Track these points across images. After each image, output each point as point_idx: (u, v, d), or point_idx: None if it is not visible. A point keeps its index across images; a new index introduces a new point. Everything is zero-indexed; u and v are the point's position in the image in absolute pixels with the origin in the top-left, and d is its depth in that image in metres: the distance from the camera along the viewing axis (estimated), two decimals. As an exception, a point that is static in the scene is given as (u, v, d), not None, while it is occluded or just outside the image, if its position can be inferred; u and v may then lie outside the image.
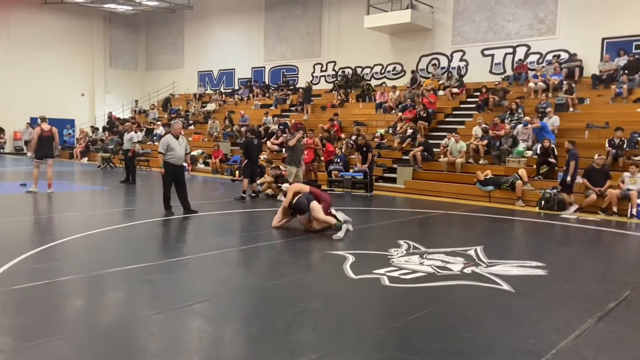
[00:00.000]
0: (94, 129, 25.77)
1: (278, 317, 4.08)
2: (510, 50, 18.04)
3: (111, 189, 13.38)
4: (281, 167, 13.94)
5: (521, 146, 13.48)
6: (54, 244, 6.46)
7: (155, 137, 23.18)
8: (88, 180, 15.90)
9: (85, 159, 23.44)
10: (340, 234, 7.34)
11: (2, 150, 25.41)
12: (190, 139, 22.07)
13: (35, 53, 26.33)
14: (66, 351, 3.36)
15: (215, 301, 4.53)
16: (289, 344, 3.57)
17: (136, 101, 29.29)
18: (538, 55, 17.50)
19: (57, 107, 26.90)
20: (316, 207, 7.56)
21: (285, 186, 7.79)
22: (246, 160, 12.10)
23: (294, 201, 7.70)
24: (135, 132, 15.96)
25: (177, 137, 9.17)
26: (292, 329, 3.85)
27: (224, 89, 26.79)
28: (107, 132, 24.57)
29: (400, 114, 17.26)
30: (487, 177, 12.57)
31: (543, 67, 16.76)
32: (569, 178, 10.93)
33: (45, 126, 11.89)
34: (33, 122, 23.37)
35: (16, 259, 5.55)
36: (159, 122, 24.37)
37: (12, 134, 25.95)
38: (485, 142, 13.93)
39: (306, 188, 8.02)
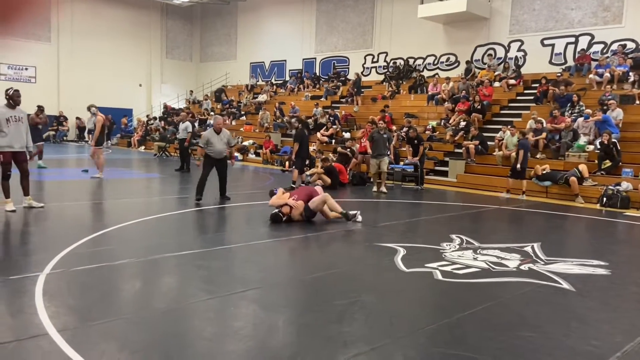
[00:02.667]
0: (151, 119, 26.64)
1: (329, 307, 4.06)
2: (572, 39, 17.21)
3: (166, 176, 13.79)
4: (330, 157, 13.96)
5: (582, 140, 12.88)
6: (112, 228, 6.72)
7: (208, 127, 23.72)
8: (145, 168, 16.46)
9: (142, 148, 24.29)
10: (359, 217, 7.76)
11: (65, 138, 26.67)
12: (241, 129, 22.50)
13: (97, 44, 27.46)
14: (125, 332, 3.48)
15: (267, 289, 4.58)
16: (341, 335, 3.55)
17: (191, 91, 30.04)
18: (602, 45, 16.61)
19: (116, 96, 28.06)
20: (318, 201, 7.62)
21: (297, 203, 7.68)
22: (298, 151, 12.17)
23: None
24: (190, 122, 16.36)
25: (218, 132, 9.14)
26: (343, 320, 3.83)
27: (275, 80, 27.01)
28: (162, 122, 25.33)
29: (450, 104, 16.85)
30: (545, 171, 12.08)
31: (607, 57, 15.89)
32: (518, 166, 11.47)
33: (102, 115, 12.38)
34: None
35: (78, 242, 5.81)
36: (212, 113, 24.90)
37: (74, 122, 27.18)
38: (543, 135, 13.38)
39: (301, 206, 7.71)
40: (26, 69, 25.81)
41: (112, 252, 5.59)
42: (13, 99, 7.44)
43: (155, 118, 26.93)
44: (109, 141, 26.36)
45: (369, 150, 12.33)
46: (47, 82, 26.12)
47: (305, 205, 7.58)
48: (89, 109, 13.10)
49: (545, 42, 17.78)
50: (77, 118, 26.28)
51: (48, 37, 26.41)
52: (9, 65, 25.23)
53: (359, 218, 7.82)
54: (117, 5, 28.13)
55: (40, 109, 14.04)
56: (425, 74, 20.62)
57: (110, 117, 26.42)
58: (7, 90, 7.53)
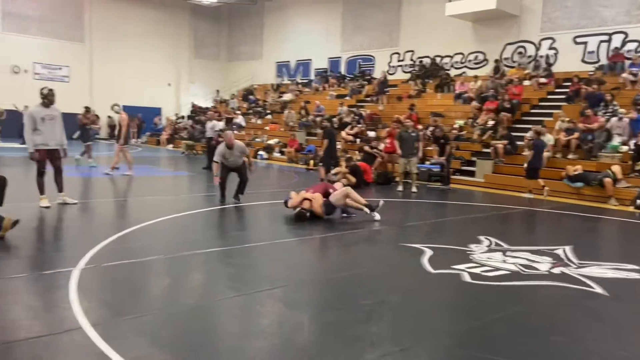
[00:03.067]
0: (179, 118, 27.03)
1: (356, 307, 4.06)
2: (606, 37, 16.76)
3: (194, 174, 13.97)
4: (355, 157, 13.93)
5: (616, 140, 12.53)
6: (142, 225, 6.84)
7: (235, 126, 23.95)
8: (173, 166, 16.71)
9: (170, 146, 24.67)
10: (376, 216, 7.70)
11: (97, 136, 27.23)
12: (267, 128, 22.63)
13: (128, 44, 28.01)
14: (155, 326, 3.54)
15: (293, 287, 4.60)
16: (368, 335, 3.54)
17: (217, 91, 30.38)
18: (637, 44, 16.12)
19: (145, 95, 28.58)
20: (339, 195, 7.70)
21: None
22: (326, 148, 12.20)
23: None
24: (218, 121, 16.55)
25: (230, 148, 8.86)
26: (371, 320, 3.82)
27: (301, 79, 27.08)
28: (190, 121, 25.68)
29: (477, 103, 16.62)
30: (577, 172, 11.80)
31: (642, 55, 15.43)
32: (525, 165, 11.73)
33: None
34: (126, 110, 24.87)
35: (109, 238, 5.93)
36: (238, 112, 25.13)
37: (106, 121, 27.76)
38: (576, 135, 13.07)
39: (319, 199, 7.69)
40: (60, 68, 26.47)
41: (142, 248, 5.70)
42: (47, 98, 7.64)
43: (183, 117, 27.33)
44: (138, 139, 26.88)
45: (398, 150, 12.23)
46: (80, 82, 26.74)
47: (325, 200, 7.59)
48: (112, 108, 13.42)
49: (578, 40, 17.36)
50: (109, 117, 26.83)
51: (81, 37, 27.04)
52: (43, 65, 25.92)
53: (377, 217, 7.74)
54: (148, 6, 28.62)
55: (87, 109, 14.43)
56: (453, 72, 20.38)
57: (140, 116, 26.98)
58: (41, 89, 7.74)
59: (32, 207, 7.50)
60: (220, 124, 16.80)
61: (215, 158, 9.01)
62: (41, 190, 7.64)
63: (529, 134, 13.88)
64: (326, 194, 7.75)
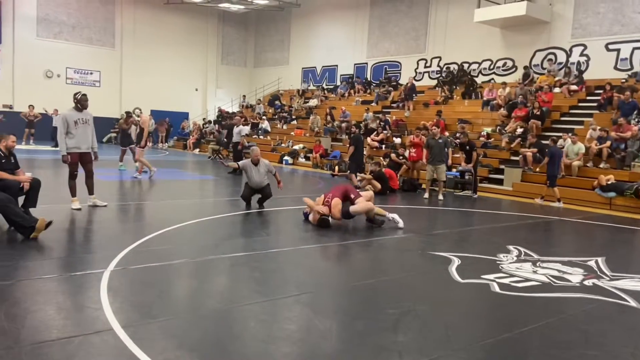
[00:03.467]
0: (207, 122, 27.34)
1: (383, 316, 4.02)
2: (639, 44, 16.33)
3: (220, 179, 14.10)
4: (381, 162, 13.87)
5: (650, 150, 12.20)
6: (170, 228, 6.92)
7: (260, 131, 24.12)
8: (199, 170, 16.91)
9: (197, 150, 24.98)
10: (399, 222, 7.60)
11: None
12: (292, 133, 22.72)
13: (157, 50, 28.53)
14: (184, 330, 3.56)
15: (320, 294, 4.58)
16: (395, 344, 3.50)
17: (244, 96, 30.67)
18: (673, 50, 15.70)
19: (173, 100, 29.06)
20: (361, 203, 7.55)
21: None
22: (353, 154, 12.20)
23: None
24: (243, 125, 16.68)
25: (255, 164, 8.82)
26: (398, 329, 3.77)
27: (327, 85, 27.14)
28: (217, 126, 25.95)
29: (505, 111, 16.38)
30: (610, 182, 11.50)
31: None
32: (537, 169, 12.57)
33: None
34: (154, 114, 25.35)
35: (138, 240, 6.03)
36: (264, 117, 25.30)
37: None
38: (607, 144, 12.76)
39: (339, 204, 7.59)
40: (91, 73, 27.09)
41: (169, 251, 5.76)
42: (81, 103, 7.83)
43: (210, 122, 27.64)
44: (166, 143, 27.30)
45: (423, 159, 12.15)
46: (110, 86, 27.33)
47: (344, 204, 7.50)
48: (133, 111, 13.66)
49: (610, 46, 16.96)
50: (137, 121, 27.33)
51: (112, 43, 27.65)
52: (75, 70, 26.58)
53: (400, 223, 7.65)
54: (177, 12, 29.11)
55: (128, 114, 14.73)
56: (481, 79, 20.14)
57: (168, 120, 27.42)
58: (75, 94, 7.93)
59: (64, 209, 7.67)
60: (247, 129, 16.95)
61: (240, 163, 9.04)
62: (73, 192, 7.81)
63: (559, 143, 13.63)
64: (345, 197, 7.64)
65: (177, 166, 17.42)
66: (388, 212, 7.76)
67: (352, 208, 7.50)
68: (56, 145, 20.86)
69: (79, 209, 7.71)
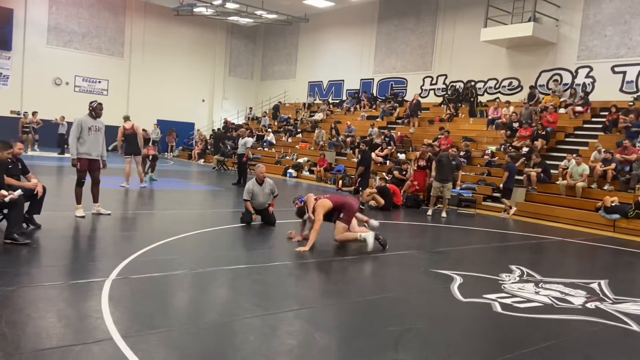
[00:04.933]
0: (214, 133, 27.46)
1: (384, 333, 4.00)
2: (646, 67, 16.40)
3: (224, 190, 14.13)
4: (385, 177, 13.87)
5: (655, 173, 12.16)
6: (173, 238, 6.93)
7: (265, 143, 24.22)
8: (204, 181, 16.94)
9: (201, 161, 25.06)
10: (369, 246, 7.05)
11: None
12: (297, 146, 22.79)
13: (165, 60, 28.79)
14: (184, 341, 3.56)
15: (321, 309, 4.57)
16: (395, 362, 3.48)
17: (250, 108, 30.84)
18: (679, 74, 15.73)
19: (180, 111, 29.25)
20: (338, 227, 7.16)
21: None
22: (363, 173, 12.21)
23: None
24: (249, 137, 16.77)
25: (260, 183, 8.61)
26: (398, 347, 3.75)
27: (332, 100, 27.28)
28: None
29: (506, 130, 16.41)
30: (614, 204, 11.48)
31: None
32: (500, 185, 13.04)
33: (127, 124, 12.71)
34: (161, 124, 25.51)
35: (140, 250, 6.04)
36: (269, 130, 25.41)
37: (141, 134, 28.45)
38: (612, 166, 12.75)
39: (328, 204, 7.27)
40: (99, 82, 27.33)
41: (172, 262, 5.77)
42: (96, 111, 7.93)
43: (225, 132, 27.72)
44: (171, 153, 27.43)
45: (433, 173, 12.10)
46: (118, 95, 27.52)
47: (333, 208, 7.17)
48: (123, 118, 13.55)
49: (616, 69, 17.02)
50: (144, 130, 27.48)
51: (121, 52, 27.92)
52: (83, 78, 26.82)
53: (369, 246, 7.15)
54: (186, 24, 29.42)
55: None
56: (486, 97, 20.20)
57: (174, 130, 27.65)
58: (91, 102, 8.07)
59: (68, 217, 7.70)
60: (251, 141, 17.02)
61: (245, 196, 8.56)
62: (78, 199, 7.85)
63: (563, 163, 13.63)
64: (339, 210, 7.21)
65: (182, 176, 17.47)
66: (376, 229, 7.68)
67: (336, 236, 7.24)
68: (61, 153, 21.12)
69: (83, 217, 7.74)
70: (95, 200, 8.14)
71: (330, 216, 7.23)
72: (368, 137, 19.65)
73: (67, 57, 26.07)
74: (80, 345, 3.33)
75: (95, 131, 7.87)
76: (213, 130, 27.91)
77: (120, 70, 27.82)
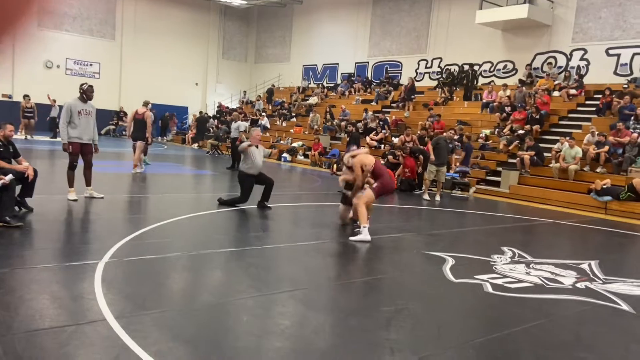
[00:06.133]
0: (208, 117, 27.34)
1: (376, 313, 4.04)
2: (640, 50, 16.39)
3: (218, 174, 14.10)
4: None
5: (647, 155, 12.24)
6: (166, 222, 6.93)
7: (259, 128, 24.11)
8: (198, 165, 16.90)
9: (195, 145, 24.96)
10: (358, 237, 6.64)
11: (124, 132, 27.77)
12: (291, 131, 22.73)
13: (158, 43, 28.49)
14: (177, 322, 3.58)
15: (314, 290, 4.60)
16: (387, 342, 3.52)
17: (244, 92, 30.63)
18: (673, 57, 15.74)
19: (173, 94, 29.02)
20: (366, 194, 6.79)
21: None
22: None
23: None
24: (242, 121, 16.68)
25: (257, 146, 8.54)
26: (390, 327, 3.79)
27: (327, 83, 27.14)
28: (216, 121, 25.94)
29: (499, 114, 16.42)
30: (605, 186, 11.56)
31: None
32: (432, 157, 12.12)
33: (140, 109, 12.45)
34: (154, 108, 25.30)
35: (134, 233, 6.04)
36: (263, 113, 25.30)
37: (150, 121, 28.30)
38: (605, 148, 12.81)
39: (370, 160, 6.96)
40: (91, 64, 27.04)
41: (166, 244, 5.77)
42: (86, 94, 7.84)
43: (209, 117, 27.63)
44: (164, 137, 27.30)
45: (432, 157, 11.96)
46: (110, 78, 27.28)
47: (372, 171, 6.92)
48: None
49: (611, 51, 17.01)
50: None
51: (112, 34, 27.59)
52: (75, 61, 26.52)
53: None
54: (179, 5, 29.06)
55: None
56: (481, 80, 20.15)
57: (174, 115, 27.57)
58: (82, 85, 7.97)
59: (60, 200, 7.68)
60: (245, 124, 16.94)
61: (241, 148, 8.48)
62: (70, 183, 7.81)
63: (556, 146, 13.67)
64: (376, 174, 6.92)
65: (177, 160, 17.41)
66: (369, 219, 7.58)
67: (356, 199, 6.88)
68: (54, 137, 20.95)
69: (75, 200, 7.71)
70: (88, 183, 8.11)
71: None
72: (363, 121, 19.60)
73: (58, 39, 25.74)
74: (74, 326, 3.34)
75: (86, 115, 7.80)
76: (194, 115, 27.72)
77: (112, 53, 27.52)
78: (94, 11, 26.79)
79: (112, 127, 27.05)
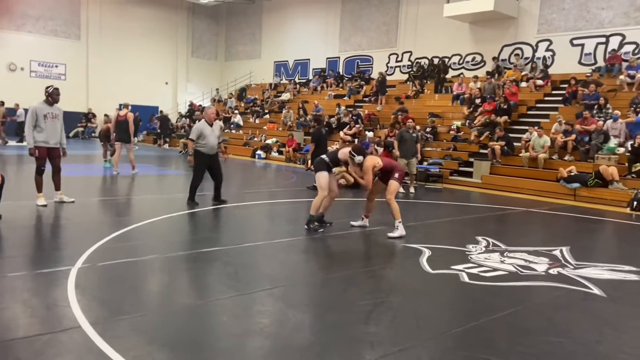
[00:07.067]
0: (181, 116, 27.02)
1: (355, 307, 4.06)
2: (603, 39, 16.82)
3: (190, 173, 13.89)
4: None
5: (612, 142, 12.59)
6: (139, 224, 6.82)
7: (232, 125, 23.94)
8: (170, 165, 16.67)
9: (166, 145, 24.61)
10: (396, 233, 6.78)
11: (93, 134, 27.19)
12: (265, 127, 22.61)
13: (125, 42, 27.93)
14: (155, 326, 3.54)
15: (293, 287, 4.60)
16: (367, 335, 3.54)
17: (217, 89, 30.29)
18: (634, 46, 16.19)
19: (142, 94, 28.48)
20: (393, 186, 6.93)
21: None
22: (315, 151, 11.87)
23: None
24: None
25: (210, 124, 8.41)
26: (370, 321, 3.82)
27: (299, 79, 27.07)
28: (188, 120, 25.63)
29: (467, 106, 16.67)
30: (572, 173, 11.87)
31: (639, 58, 15.49)
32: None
33: (122, 112, 12.51)
34: (121, 108, 24.83)
35: (107, 237, 5.92)
36: (236, 111, 25.10)
37: (102, 119, 27.70)
38: (572, 137, 13.13)
39: (377, 161, 7.07)
40: (56, 66, 26.36)
41: (140, 247, 5.68)
42: (52, 97, 7.63)
43: (181, 116, 27.32)
44: (135, 138, 26.80)
45: (397, 151, 12.07)
46: (77, 80, 26.63)
47: (382, 168, 6.98)
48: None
49: (575, 42, 17.41)
50: (105, 115, 26.76)
51: (77, 34, 26.93)
52: (39, 62, 25.81)
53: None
54: (146, 4, 28.54)
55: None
56: (451, 73, 20.40)
57: (137, 114, 26.93)
58: (47, 87, 7.76)
59: (29, 206, 7.48)
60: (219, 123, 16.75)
61: (192, 136, 8.31)
62: (39, 188, 7.61)
63: (525, 136, 13.93)
64: (388, 170, 7.01)
65: (147, 161, 17.13)
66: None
67: (387, 195, 6.93)
68: (21, 141, 20.37)
69: (45, 206, 7.52)
70: (57, 188, 7.91)
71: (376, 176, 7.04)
72: (336, 116, 19.62)
73: (21, 41, 25.01)
74: (48, 334, 3.27)
75: (52, 118, 7.60)
76: (154, 114, 27.40)
77: (78, 54, 26.87)
78: (57, 12, 26.09)
79: (81, 129, 26.44)
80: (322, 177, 6.88)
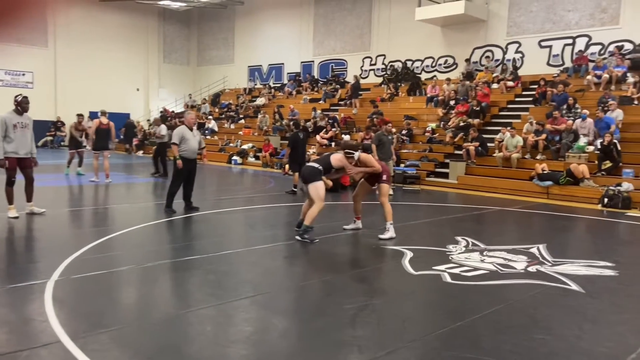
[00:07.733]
0: (151, 124, 26.55)
1: (340, 312, 4.05)
2: (570, 41, 17.27)
3: (165, 181, 13.71)
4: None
5: (582, 141, 12.91)
6: (116, 234, 6.69)
7: (207, 131, 23.70)
8: (144, 173, 16.39)
9: (140, 152, 24.22)
10: (387, 235, 6.88)
11: (63, 143, 26.56)
12: (240, 132, 22.46)
13: (94, 49, 27.41)
14: (137, 337, 3.45)
15: (276, 293, 4.56)
16: (354, 339, 3.53)
17: (190, 95, 29.97)
18: (600, 47, 16.67)
19: (113, 101, 27.92)
20: (385, 189, 7.13)
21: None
22: (291, 155, 11.86)
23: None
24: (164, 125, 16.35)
25: (190, 129, 8.48)
26: (356, 324, 3.81)
27: (274, 84, 27.01)
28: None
29: (442, 108, 16.89)
30: (545, 171, 12.14)
31: (605, 58, 15.95)
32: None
33: (104, 120, 12.40)
34: (93, 116, 24.33)
35: (82, 248, 5.78)
36: (210, 117, 24.87)
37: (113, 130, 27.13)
38: (543, 136, 13.42)
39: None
40: (23, 74, 25.73)
41: (118, 258, 5.56)
42: (21, 106, 7.44)
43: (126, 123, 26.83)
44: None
45: (375, 155, 12.10)
46: (45, 88, 26.03)
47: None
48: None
49: (543, 43, 17.84)
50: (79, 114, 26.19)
51: (45, 42, 26.34)
52: (6, 71, 25.15)
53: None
54: (114, 10, 28.09)
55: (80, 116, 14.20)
56: (424, 76, 20.65)
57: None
58: (16, 96, 7.55)
59: (0, 218, 7.25)
60: (164, 128, 16.53)
61: (175, 139, 8.27)
62: (10, 200, 7.39)
63: (498, 136, 14.16)
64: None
65: (121, 169, 16.83)
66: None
67: (381, 197, 7.13)
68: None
69: (17, 217, 7.31)
70: (29, 199, 7.70)
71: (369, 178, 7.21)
72: (312, 120, 19.63)
73: (-15, 49, 24.30)
74: (27, 350, 3.16)
75: (22, 127, 7.40)
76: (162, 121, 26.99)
77: (46, 61, 26.27)
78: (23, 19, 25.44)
79: (50, 138, 25.84)
80: (319, 188, 6.60)
